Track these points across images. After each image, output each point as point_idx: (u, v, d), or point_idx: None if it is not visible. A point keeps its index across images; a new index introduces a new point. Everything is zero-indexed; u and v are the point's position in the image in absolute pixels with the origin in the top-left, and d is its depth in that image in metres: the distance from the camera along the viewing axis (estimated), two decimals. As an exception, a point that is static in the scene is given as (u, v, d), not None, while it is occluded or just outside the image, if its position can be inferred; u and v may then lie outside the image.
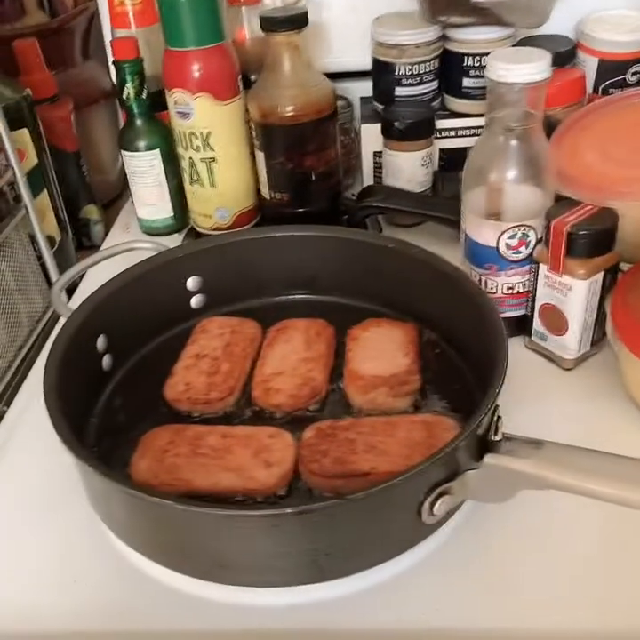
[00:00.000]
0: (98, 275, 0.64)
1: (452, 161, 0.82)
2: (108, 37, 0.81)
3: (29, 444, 0.58)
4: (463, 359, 0.59)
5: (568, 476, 0.41)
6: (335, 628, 0.44)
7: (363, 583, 0.45)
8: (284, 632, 0.44)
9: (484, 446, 0.45)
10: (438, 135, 0.81)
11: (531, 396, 0.59)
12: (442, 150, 0.83)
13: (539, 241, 0.59)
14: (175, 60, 0.71)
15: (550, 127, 0.68)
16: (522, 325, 0.63)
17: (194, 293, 0.65)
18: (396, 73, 0.79)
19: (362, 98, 0.87)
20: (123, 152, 0.79)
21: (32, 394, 0.60)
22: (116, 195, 0.93)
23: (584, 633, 0.43)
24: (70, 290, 0.76)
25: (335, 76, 0.88)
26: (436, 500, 0.43)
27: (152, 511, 0.42)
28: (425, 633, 0.43)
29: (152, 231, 0.83)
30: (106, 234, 0.87)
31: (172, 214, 0.83)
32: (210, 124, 0.73)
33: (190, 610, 0.45)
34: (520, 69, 0.54)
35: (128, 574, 0.47)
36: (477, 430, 0.44)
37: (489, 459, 0.43)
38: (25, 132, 0.70)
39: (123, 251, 0.63)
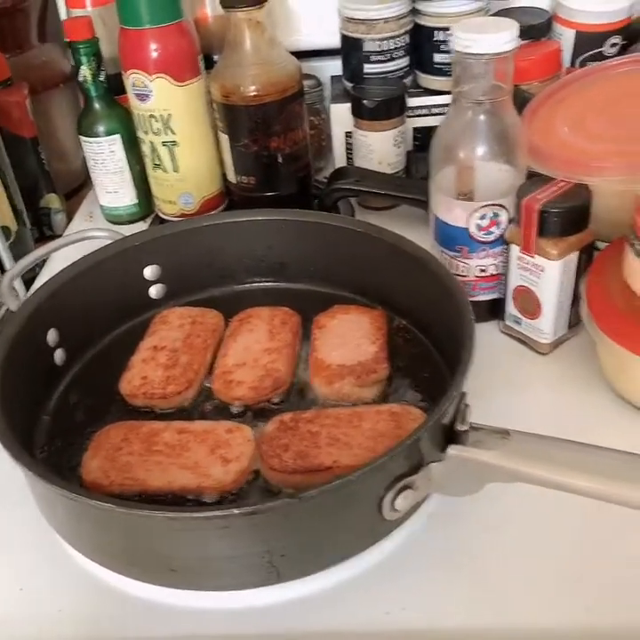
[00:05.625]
0: (58, 266, 0.60)
1: (426, 140, 0.78)
2: (63, 18, 0.78)
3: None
4: (434, 346, 0.57)
5: (537, 468, 0.39)
6: (294, 631, 0.41)
7: (323, 583, 0.43)
8: (241, 637, 0.41)
9: (449, 437, 0.42)
10: (411, 114, 0.78)
11: (505, 382, 0.57)
12: (415, 129, 0.80)
13: (510, 221, 0.57)
14: (131, 39, 0.68)
15: (524, 102, 0.66)
16: (496, 309, 0.61)
17: (152, 283, 0.62)
18: (365, 49, 0.76)
19: (332, 77, 0.84)
20: (82, 138, 0.76)
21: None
22: (80, 183, 0.90)
23: (557, 630, 0.41)
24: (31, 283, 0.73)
25: (306, 55, 0.85)
26: (397, 494, 0.41)
27: (95, 514, 0.40)
28: (389, 633, 0.41)
29: (115, 219, 0.80)
30: (68, 223, 0.83)
31: (136, 202, 0.80)
32: (169, 106, 0.70)
33: (142, 616, 0.42)
34: (485, 40, 0.51)
35: (77, 580, 0.45)
36: (442, 420, 0.42)
37: (453, 450, 0.41)
38: (-27, 116, 0.67)
39: (76, 240, 0.60)
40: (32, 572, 0.46)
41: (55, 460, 0.50)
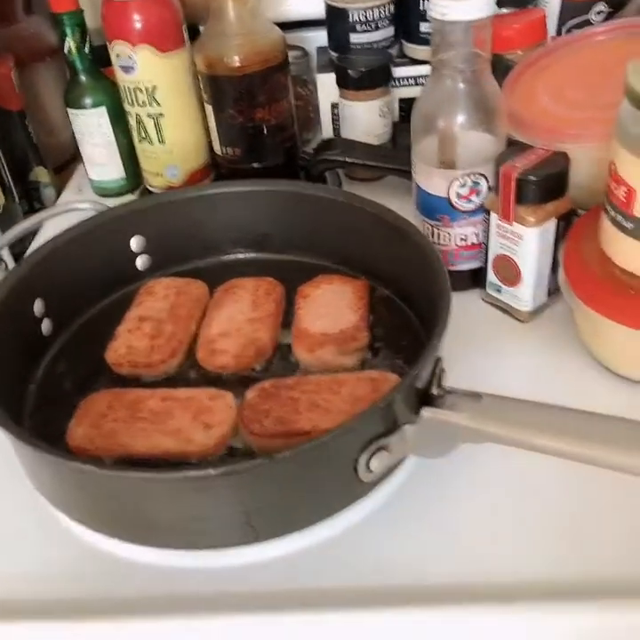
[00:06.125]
0: (47, 238, 0.61)
1: (412, 111, 0.79)
2: (48, -11, 0.78)
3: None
4: (416, 314, 0.58)
5: (505, 429, 0.40)
6: (273, 589, 0.43)
7: (302, 543, 0.44)
8: (219, 595, 0.42)
9: (425, 400, 0.43)
10: (397, 84, 0.78)
11: (485, 349, 0.58)
12: (401, 100, 0.80)
13: (489, 189, 0.57)
14: (114, 10, 0.68)
15: (507, 70, 0.66)
16: (478, 278, 0.62)
17: (138, 254, 0.63)
18: (350, 19, 0.76)
19: (318, 48, 0.84)
20: (69, 110, 0.77)
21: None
22: (70, 157, 0.90)
23: (531, 584, 0.42)
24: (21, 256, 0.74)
25: (293, 26, 0.85)
26: (372, 456, 0.41)
27: (77, 477, 0.41)
28: (366, 591, 0.42)
29: (104, 192, 0.81)
30: (58, 197, 0.84)
31: (124, 174, 0.80)
32: (154, 77, 0.70)
33: (123, 574, 0.44)
34: (462, 6, 0.51)
35: (62, 541, 0.46)
36: (415, 383, 0.43)
37: (426, 412, 0.42)
38: (-44, 88, 0.67)
39: (60, 212, 0.61)
40: (18, 534, 0.47)
41: (42, 427, 0.51)
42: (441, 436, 0.43)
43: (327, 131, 0.83)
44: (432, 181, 0.58)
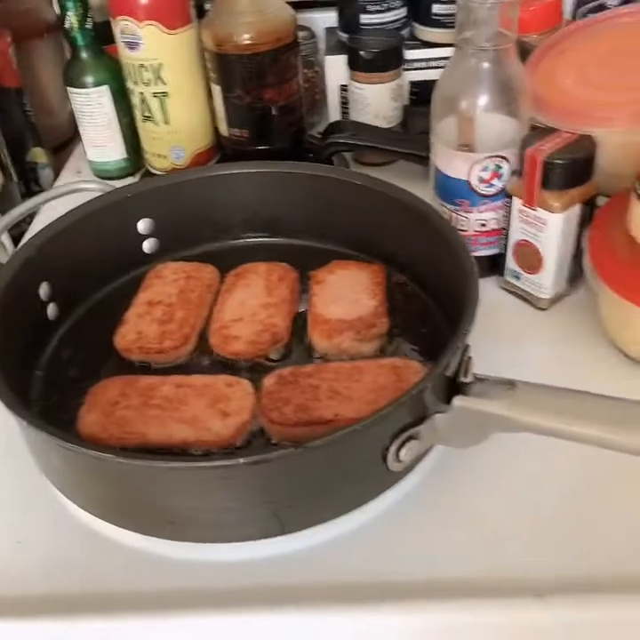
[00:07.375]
0: (46, 221, 0.59)
1: (423, 94, 0.77)
2: (47, -39, 0.75)
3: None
4: (434, 301, 0.56)
5: (541, 418, 0.39)
6: (296, 582, 0.41)
7: (326, 535, 0.42)
8: (245, 589, 0.41)
9: (453, 388, 0.42)
10: (408, 67, 0.76)
11: (504, 337, 0.56)
12: (412, 83, 0.78)
13: (513, 173, 0.56)
14: (120, -16, 0.66)
15: (524, 54, 0.64)
16: (495, 265, 0.60)
17: (146, 237, 0.61)
18: (361, -1, 0.74)
19: (327, 28, 0.82)
20: (69, 89, 0.74)
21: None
22: (67, 138, 0.87)
23: (559, 578, 0.41)
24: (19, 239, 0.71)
25: (299, 5, 0.83)
26: (402, 445, 0.40)
27: (94, 466, 0.39)
28: (392, 584, 0.41)
29: (104, 174, 0.78)
30: (56, 179, 0.81)
31: (125, 156, 0.78)
32: (160, 55, 0.68)
33: (141, 568, 0.42)
34: (492, -18, 0.49)
35: (75, 532, 0.44)
36: (445, 371, 0.41)
37: (458, 401, 0.41)
38: (-49, 63, 0.64)
39: (66, 192, 0.59)
40: (29, 525, 0.45)
41: (49, 414, 0.49)
42: (472, 426, 0.41)
43: (334, 114, 0.81)
44: (452, 164, 0.56)
